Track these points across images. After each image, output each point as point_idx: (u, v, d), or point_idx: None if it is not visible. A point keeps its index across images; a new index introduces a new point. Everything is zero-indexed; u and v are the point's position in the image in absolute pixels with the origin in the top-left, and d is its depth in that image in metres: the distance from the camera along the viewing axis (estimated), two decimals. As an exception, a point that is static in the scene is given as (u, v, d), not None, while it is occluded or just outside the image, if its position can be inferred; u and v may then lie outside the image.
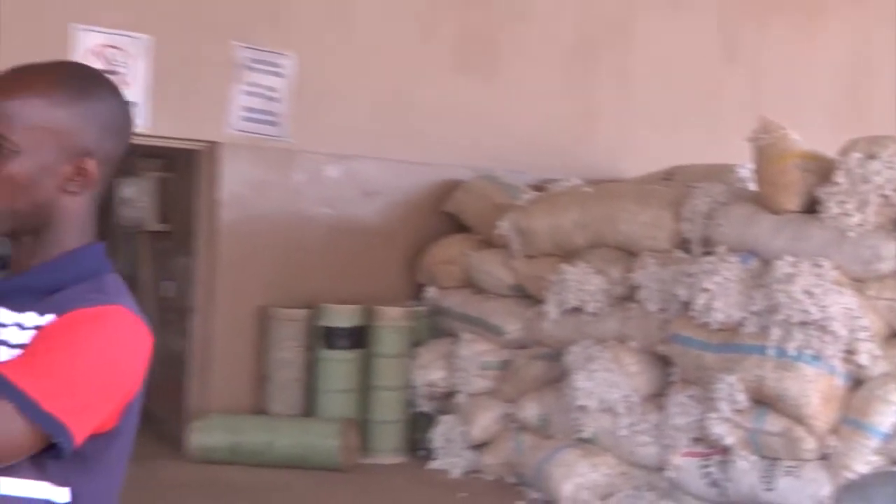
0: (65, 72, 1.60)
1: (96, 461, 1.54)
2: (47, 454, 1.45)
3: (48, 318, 1.48)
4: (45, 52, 5.31)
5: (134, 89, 6.46)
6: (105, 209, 9.08)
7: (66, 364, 1.45)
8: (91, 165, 1.55)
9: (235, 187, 7.02)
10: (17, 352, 1.48)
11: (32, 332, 1.48)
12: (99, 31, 6.39)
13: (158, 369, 6.29)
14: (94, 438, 1.50)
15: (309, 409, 7.02)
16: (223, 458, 6.60)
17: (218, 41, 6.80)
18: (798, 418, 4.68)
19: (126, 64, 6.51)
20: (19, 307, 1.51)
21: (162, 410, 7.65)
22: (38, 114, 1.52)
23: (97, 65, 6.17)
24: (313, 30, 7.17)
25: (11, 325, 1.50)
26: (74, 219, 1.60)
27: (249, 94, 7.00)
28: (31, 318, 1.49)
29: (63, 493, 1.49)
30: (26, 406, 1.38)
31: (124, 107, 1.62)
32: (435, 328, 7.31)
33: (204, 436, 6.74)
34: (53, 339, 1.47)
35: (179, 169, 7.63)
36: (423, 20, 7.60)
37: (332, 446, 6.54)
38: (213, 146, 6.89)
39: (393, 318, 7.04)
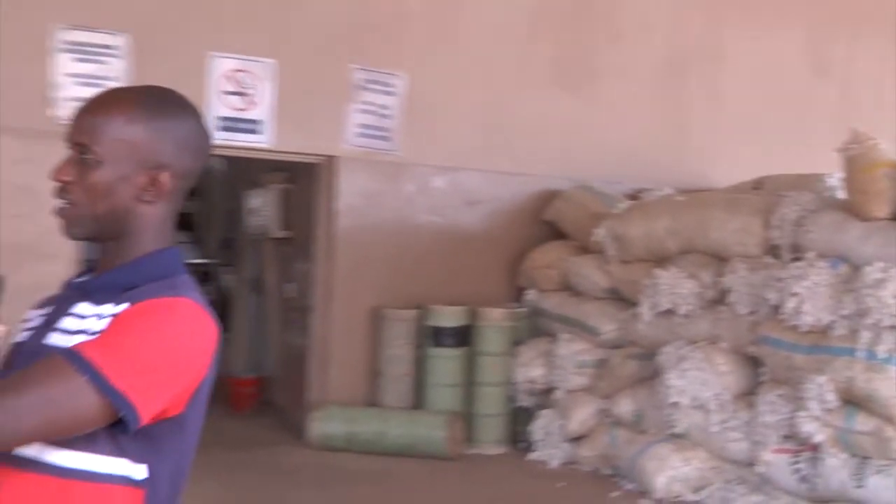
0: (146, 94, 1.66)
1: (167, 443, 1.58)
2: (123, 434, 1.50)
3: (123, 306, 1.54)
4: (187, 77, 6.08)
5: (261, 108, 6.83)
6: (234, 218, 9.53)
7: (137, 347, 1.50)
8: (165, 178, 1.62)
9: (351, 197, 7.22)
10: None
11: (109, 320, 1.53)
12: (231, 58, 6.71)
13: (282, 364, 6.76)
14: (164, 422, 1.55)
15: (418, 402, 7.18)
16: (340, 446, 6.82)
17: (336, 64, 7.02)
18: (888, 419, 4.68)
19: (254, 86, 6.80)
20: (99, 302, 1.57)
21: (285, 401, 8.07)
22: (118, 129, 1.59)
23: (229, 87, 6.76)
24: (422, 52, 7.35)
25: (91, 316, 1.56)
26: (151, 225, 1.66)
27: (364, 111, 7.18)
28: (108, 309, 1.55)
29: (141, 470, 1.55)
30: (98, 380, 1.43)
31: (202, 128, 1.68)
32: (534, 328, 7.37)
33: (323, 425, 6.95)
34: (126, 324, 1.52)
35: (301, 181, 7.79)
36: (523, 42, 7.70)
37: (440, 437, 6.72)
38: (331, 160, 7.12)
39: (495, 319, 7.15)
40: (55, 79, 6.25)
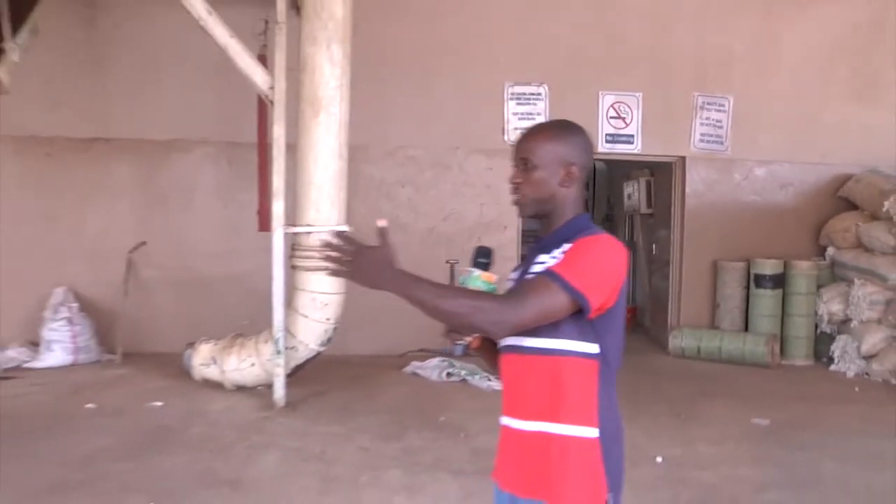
0: (558, 123, 2.02)
1: (606, 329, 1.87)
2: (582, 323, 1.81)
3: (566, 246, 1.88)
4: (585, 109, 8.24)
5: (632, 126, 8.27)
6: (612, 201, 11.40)
7: (584, 261, 1.81)
8: (574, 170, 1.95)
9: (695, 185, 8.40)
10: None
11: (559, 256, 1.86)
12: (612, 94, 8.28)
13: (650, 298, 8.84)
14: (603, 315, 1.84)
15: (745, 326, 8.15)
16: (691, 356, 7.94)
17: (683, 92, 8.28)
18: None
19: (628, 112, 8.27)
20: (550, 252, 1.92)
21: (654, 325, 9.35)
22: (546, 146, 1.93)
23: (612, 114, 8.22)
24: (746, 78, 8.34)
25: (549, 259, 1.90)
26: (569, 202, 1.97)
27: (703, 124, 8.33)
28: (558, 254, 1.88)
29: (594, 347, 1.85)
30: (564, 284, 1.77)
31: (588, 140, 1.99)
32: (833, 276, 8.01)
33: (678, 340, 8.06)
34: (574, 251, 1.84)
35: (660, 174, 8.90)
36: (824, 65, 8.45)
37: (761, 351, 7.67)
38: (682, 159, 8.35)
39: (803, 268, 7.96)
40: (506, 116, 8.24)
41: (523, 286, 1.82)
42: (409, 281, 1.78)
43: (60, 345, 7.49)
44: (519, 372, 1.91)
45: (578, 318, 1.82)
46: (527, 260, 2.01)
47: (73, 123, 8.05)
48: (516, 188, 1.97)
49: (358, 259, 1.80)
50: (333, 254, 1.82)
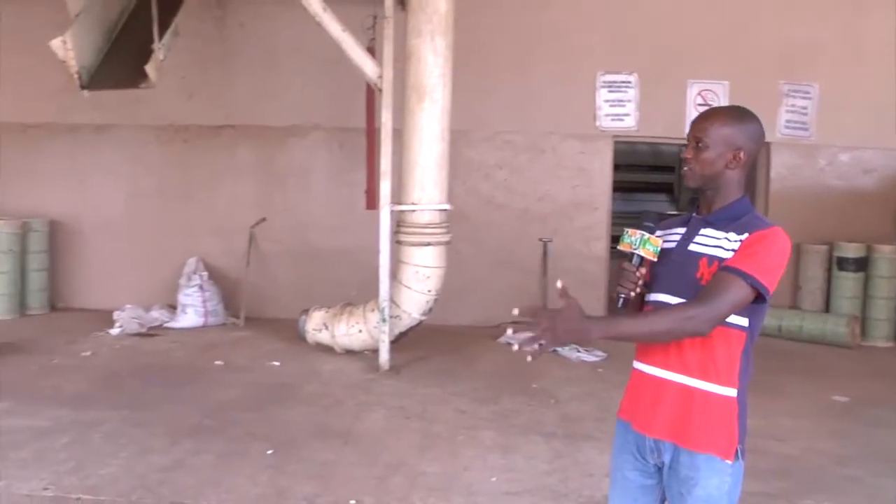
0: (731, 108, 2.08)
1: (758, 309, 1.98)
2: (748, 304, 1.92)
3: (744, 236, 1.93)
4: (674, 98, 8.05)
5: None
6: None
7: (763, 256, 1.90)
8: (741, 155, 2.00)
9: (781, 169, 8.24)
10: (730, 254, 1.93)
11: (737, 244, 1.93)
12: (700, 83, 8.12)
13: None
14: (761, 298, 1.95)
15: (827, 307, 8.01)
16: (772, 334, 7.62)
17: (769, 80, 8.04)
18: None
19: (715, 99, 8.04)
20: (721, 229, 1.99)
21: None
22: (717, 128, 1.99)
23: (699, 101, 8.03)
24: (830, 67, 8.09)
25: (721, 238, 1.96)
26: (733, 183, 2.03)
27: (789, 111, 8.13)
28: (733, 236, 1.94)
29: (745, 321, 1.98)
30: (752, 281, 1.89)
31: (761, 127, 2.04)
32: None
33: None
34: (753, 246, 1.92)
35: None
36: None
37: (842, 332, 7.51)
38: (768, 145, 8.08)
39: (886, 252, 7.79)
40: (597, 103, 8.19)
41: (717, 286, 1.90)
42: (608, 324, 1.91)
43: (193, 308, 7.88)
44: None
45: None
46: (690, 228, 2.07)
47: (205, 112, 8.44)
48: (686, 163, 2.04)
49: (555, 326, 1.84)
50: (534, 333, 1.86)
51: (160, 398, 5.31)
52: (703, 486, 1.96)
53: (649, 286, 2.08)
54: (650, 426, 2.05)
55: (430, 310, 6.40)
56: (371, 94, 6.69)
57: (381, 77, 6.19)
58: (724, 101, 8.03)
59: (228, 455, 4.25)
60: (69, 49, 6.28)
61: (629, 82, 8.17)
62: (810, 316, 7.85)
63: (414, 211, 6.20)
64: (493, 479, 4.04)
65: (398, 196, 6.30)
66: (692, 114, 8.06)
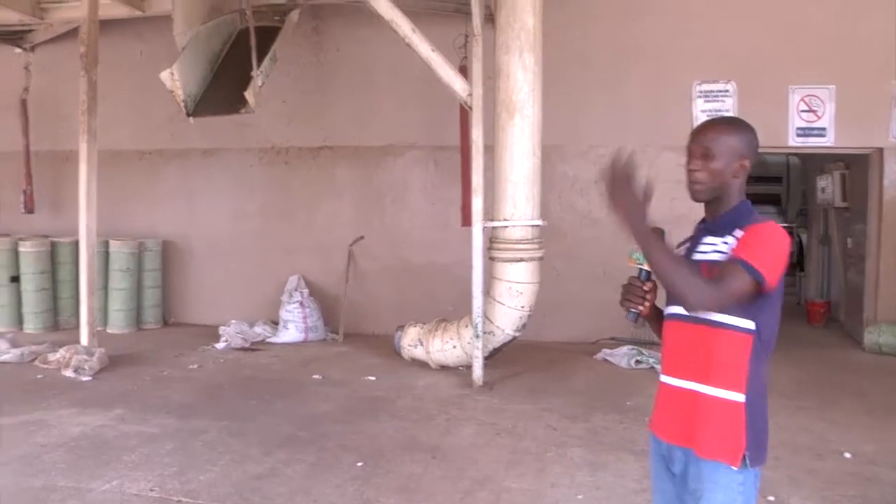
0: (732, 120, 2.11)
1: (764, 309, 1.95)
2: (747, 302, 1.89)
3: (738, 233, 1.96)
4: (774, 104, 7.62)
5: (825, 119, 7.72)
6: (806, 195, 10.63)
7: (760, 246, 1.90)
8: (746, 164, 2.04)
9: (893, 176, 7.78)
10: (728, 253, 1.95)
11: (734, 242, 1.95)
12: (803, 88, 7.79)
13: (844, 293, 8.11)
14: (763, 296, 1.92)
15: None
16: (888, 352, 7.45)
17: (877, 83, 7.60)
18: None
19: (820, 105, 7.77)
20: (719, 235, 2.01)
21: (848, 320, 8.80)
22: (725, 139, 2.01)
23: (803, 107, 7.72)
24: None
25: (719, 243, 1.99)
26: (737, 190, 2.05)
27: None
28: (730, 239, 1.97)
29: (750, 324, 1.94)
30: (748, 267, 1.88)
31: (755, 137, 2.05)
32: None
33: (875, 336, 7.61)
34: (749, 238, 1.94)
35: (855, 167, 8.37)
36: None
37: None
38: (878, 151, 7.76)
39: None
40: (694, 113, 7.95)
41: (721, 273, 1.91)
42: (651, 237, 1.91)
43: (294, 324, 8.16)
44: (678, 337, 2.05)
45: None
46: (694, 239, 2.11)
47: (304, 134, 8.78)
48: (693, 175, 2.03)
49: (622, 188, 1.89)
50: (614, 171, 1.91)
51: (258, 410, 5.53)
52: (707, 500, 1.97)
53: (667, 298, 2.09)
54: (664, 430, 2.10)
55: (524, 326, 6.38)
56: (464, 112, 6.76)
57: (470, 94, 6.27)
58: (829, 106, 7.78)
59: (319, 466, 4.38)
60: (176, 80, 6.68)
61: (727, 91, 7.94)
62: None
63: (506, 227, 6.23)
64: (580, 496, 3.99)
65: (491, 212, 6.34)
66: (796, 121, 7.80)
